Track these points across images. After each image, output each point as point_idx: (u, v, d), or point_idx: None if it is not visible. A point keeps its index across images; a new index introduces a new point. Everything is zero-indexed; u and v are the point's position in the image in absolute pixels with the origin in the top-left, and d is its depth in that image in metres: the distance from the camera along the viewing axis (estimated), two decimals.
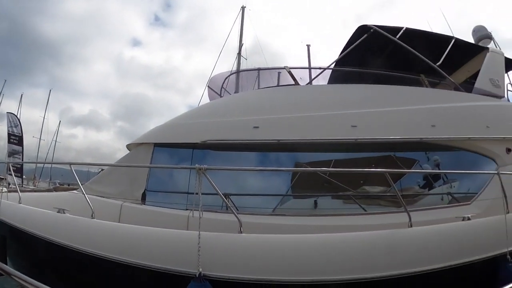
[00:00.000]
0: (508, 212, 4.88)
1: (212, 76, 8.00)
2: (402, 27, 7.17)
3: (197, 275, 3.21)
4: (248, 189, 5.66)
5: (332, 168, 5.40)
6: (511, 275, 4.30)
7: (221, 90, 7.56)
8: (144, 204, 5.55)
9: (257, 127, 5.59)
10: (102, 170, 6.57)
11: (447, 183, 6.34)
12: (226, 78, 7.58)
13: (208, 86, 7.86)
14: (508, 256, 4.37)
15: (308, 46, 8.23)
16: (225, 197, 4.63)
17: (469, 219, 4.85)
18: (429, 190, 6.27)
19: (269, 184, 5.73)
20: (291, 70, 6.41)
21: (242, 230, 3.72)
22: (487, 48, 8.32)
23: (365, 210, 5.39)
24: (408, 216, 4.19)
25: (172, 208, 5.28)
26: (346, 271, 3.56)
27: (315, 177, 5.49)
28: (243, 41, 9.50)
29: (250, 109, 5.99)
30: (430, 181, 6.27)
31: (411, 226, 4.16)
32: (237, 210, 4.79)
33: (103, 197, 5.53)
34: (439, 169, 6.30)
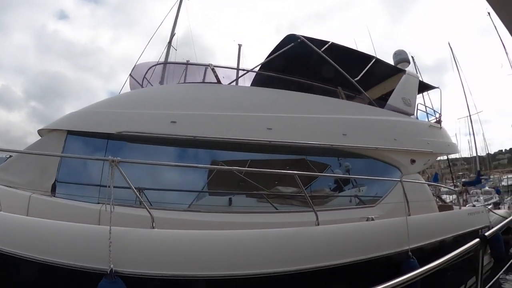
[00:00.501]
0: (409, 215, 5.46)
1: (137, 64, 7.61)
2: (328, 42, 7.65)
3: (108, 272, 3.07)
4: (164, 184, 5.58)
5: (248, 167, 5.51)
6: (411, 269, 4.86)
7: (143, 80, 7.31)
8: (54, 196, 5.19)
9: (174, 122, 5.54)
10: (10, 156, 6.04)
11: (356, 187, 6.92)
12: (150, 68, 7.30)
13: (130, 74, 7.45)
14: (410, 253, 4.85)
15: (240, 45, 8.40)
16: (139, 191, 4.47)
17: (372, 219, 5.35)
18: (339, 192, 6.77)
19: (185, 180, 5.70)
20: (217, 68, 6.45)
21: (154, 225, 3.65)
22: (404, 71, 9.23)
23: (277, 209, 5.65)
24: (316, 215, 4.46)
25: (83, 201, 5.01)
26: (256, 266, 3.69)
27: (231, 175, 5.58)
28: (175, 31, 9.20)
29: (169, 103, 5.92)
30: (340, 184, 6.77)
31: (318, 224, 4.45)
32: (151, 205, 4.66)
33: (10, 187, 5.10)
34: (349, 174, 6.79)
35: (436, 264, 1.65)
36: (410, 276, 1.44)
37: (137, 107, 5.70)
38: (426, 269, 1.54)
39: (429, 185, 9.27)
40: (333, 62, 7.33)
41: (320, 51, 7.33)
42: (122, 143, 5.58)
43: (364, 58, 8.29)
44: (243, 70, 7.19)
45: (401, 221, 5.13)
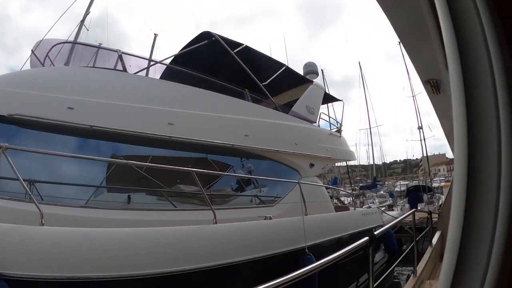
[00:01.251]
0: (306, 214, 5.89)
1: (42, 40, 6.67)
2: (243, 44, 7.88)
3: None
4: (59, 177, 5.08)
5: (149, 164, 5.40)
6: (309, 264, 5.21)
7: (45, 58, 6.52)
8: None
9: (71, 108, 5.07)
10: None
11: (257, 188, 7.23)
12: (55, 46, 6.54)
13: (32, 50, 6.55)
14: (307, 250, 5.24)
15: (156, 35, 8.14)
16: (29, 184, 4.09)
17: (270, 218, 5.61)
18: (241, 192, 6.99)
19: (83, 174, 5.28)
20: (127, 56, 6.19)
21: (43, 222, 3.32)
22: (312, 81, 10.01)
23: (175, 207, 5.59)
24: (213, 214, 4.52)
25: None
26: (149, 266, 3.61)
27: (132, 171, 5.36)
28: (90, 10, 8.41)
29: (68, 87, 5.35)
30: (242, 185, 7.01)
31: (215, 223, 4.50)
32: (42, 199, 4.28)
33: None
34: (251, 175, 7.08)
35: (330, 259, 1.89)
36: (304, 271, 1.62)
37: (33, 89, 5.08)
38: (320, 263, 1.76)
39: (327, 188, 10.17)
40: (243, 65, 7.58)
41: (232, 52, 7.50)
42: (15, 128, 4.92)
43: (275, 64, 8.73)
44: (154, 61, 7.00)
45: (298, 219, 5.48)
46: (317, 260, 4.97)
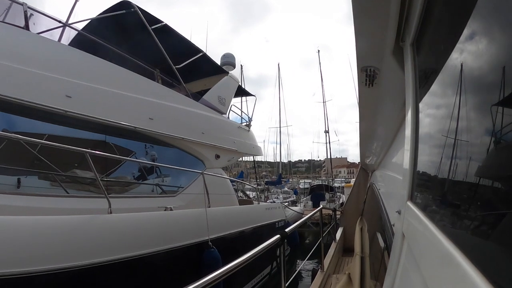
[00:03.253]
0: (209, 206, 5.92)
1: None
2: (163, 22, 7.63)
3: None
4: None
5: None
6: (212, 258, 5.23)
7: None
8: None
9: None
10: None
11: (160, 177, 7.06)
12: None
13: None
14: (210, 243, 5.27)
15: None
16: None
17: (171, 209, 5.47)
18: (142, 181, 6.73)
19: None
20: (30, 11, 5.36)
21: None
22: (228, 73, 10.16)
23: (68, 193, 5.10)
24: (108, 202, 4.24)
25: None
26: (40, 260, 3.24)
27: (24, 150, 4.68)
28: None
29: None
30: (144, 173, 6.77)
31: (110, 212, 4.22)
32: None
33: None
34: (155, 163, 6.89)
35: (246, 258, 1.86)
36: (220, 273, 1.54)
37: None
38: (235, 264, 1.70)
39: (233, 181, 10.42)
40: (159, 44, 7.35)
41: (150, 28, 7.23)
42: None
43: (193, 49, 8.66)
44: (62, 23, 6.17)
45: (200, 211, 5.49)
46: (220, 253, 5.15)
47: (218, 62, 10.93)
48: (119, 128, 5.90)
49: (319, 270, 4.84)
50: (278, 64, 44.62)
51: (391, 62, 1.99)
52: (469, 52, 0.85)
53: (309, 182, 39.74)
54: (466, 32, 0.86)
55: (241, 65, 29.50)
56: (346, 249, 7.43)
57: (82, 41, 6.41)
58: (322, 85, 41.53)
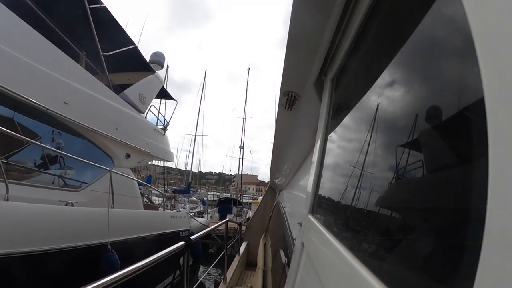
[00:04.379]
0: (113, 207, 5.61)
1: None
2: (103, 4, 7.31)
3: None
4: None
5: None
6: (110, 263, 4.87)
7: None
8: None
9: None
10: None
11: (63, 169, 6.52)
12: None
13: None
14: (109, 246, 4.93)
15: None
16: None
17: (72, 205, 5.11)
18: (44, 170, 6.14)
19: None
20: None
21: None
22: (154, 71, 9.87)
23: None
24: (6, 188, 3.80)
25: None
26: None
27: None
28: None
29: None
30: (46, 161, 6.19)
31: (7, 199, 3.79)
32: None
33: None
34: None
35: (146, 263, 1.73)
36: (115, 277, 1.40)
37: None
38: (137, 267, 1.56)
39: (140, 183, 10.01)
40: (93, 25, 6.98)
41: (88, 6, 6.86)
42: None
43: (125, 39, 8.37)
44: None
45: (103, 211, 5.16)
46: (120, 258, 4.85)
47: (147, 58, 10.59)
48: (30, 107, 5.29)
49: (222, 281, 4.89)
50: (205, 72, 44.39)
51: (311, 92, 2.21)
52: (379, 96, 0.98)
53: (217, 195, 39.88)
54: (380, 78, 0.99)
55: (167, 66, 28.71)
56: (249, 263, 7.60)
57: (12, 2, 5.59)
58: (245, 102, 42.70)
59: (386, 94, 0.92)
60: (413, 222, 0.67)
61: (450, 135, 0.55)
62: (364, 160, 1.00)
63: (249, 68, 44.27)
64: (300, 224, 1.94)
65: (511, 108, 0.34)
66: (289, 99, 2.50)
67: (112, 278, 1.40)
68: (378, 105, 0.95)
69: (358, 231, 1.00)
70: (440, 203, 0.54)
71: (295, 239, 2.29)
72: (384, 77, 0.95)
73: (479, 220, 0.35)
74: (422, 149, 0.64)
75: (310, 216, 1.65)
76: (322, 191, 1.65)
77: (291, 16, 1.52)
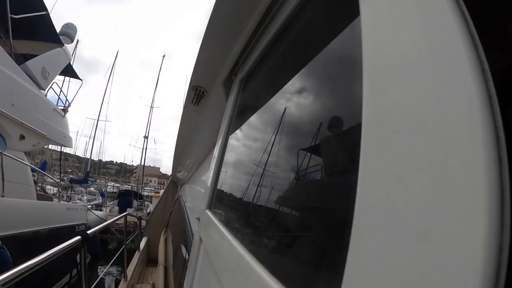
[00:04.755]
0: (3, 196, 4.93)
1: None
2: None
3: None
4: None
5: None
6: (3, 260, 4.22)
7: None
8: None
9: None
10: None
11: None
12: None
13: None
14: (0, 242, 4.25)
15: None
16: None
17: None
18: None
19: None
20: None
21: None
22: (62, 44, 8.80)
23: None
24: None
25: None
26: None
27: None
28: None
29: None
30: None
31: None
32: None
33: None
34: None
35: (38, 261, 1.47)
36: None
37: None
38: (29, 265, 1.33)
39: (33, 170, 8.83)
40: None
41: None
42: None
43: (37, 2, 7.45)
44: None
45: None
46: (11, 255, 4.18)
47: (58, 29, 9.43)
48: None
49: (122, 279, 4.71)
50: (117, 52, 41.59)
51: (220, 90, 2.26)
52: (281, 101, 1.07)
53: (118, 187, 37.55)
54: (284, 86, 1.07)
55: (77, 40, 25.87)
56: (151, 259, 7.40)
57: None
58: (155, 90, 40.84)
59: (288, 101, 1.01)
60: (302, 220, 0.76)
61: (332, 145, 0.64)
62: (261, 160, 1.10)
63: (164, 55, 42.55)
64: (199, 219, 1.98)
65: (378, 131, 0.41)
66: (197, 94, 2.52)
67: (4, 278, 1.30)
68: (281, 110, 1.04)
69: (252, 227, 1.08)
70: (326, 204, 0.62)
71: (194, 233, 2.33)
72: (288, 86, 1.04)
73: (349, 220, 0.41)
74: (307, 155, 0.73)
75: (208, 211, 1.69)
76: (220, 187, 1.72)
77: (213, 10, 1.53)
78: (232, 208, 1.42)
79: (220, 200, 1.67)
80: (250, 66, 1.70)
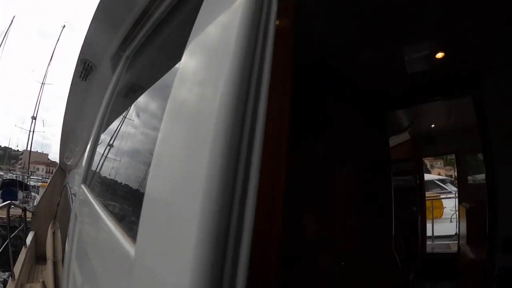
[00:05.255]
0: None
1: None
2: None
3: None
4: None
5: None
6: None
7: None
8: None
9: None
10: None
11: None
12: None
13: None
14: None
15: None
16: None
17: None
18: None
19: None
20: None
21: None
22: None
23: None
24: None
25: None
26: None
27: None
28: None
29: None
30: None
31: None
32: None
33: None
34: None
35: None
36: None
37: None
38: None
39: None
40: None
41: None
42: None
43: None
44: None
45: None
46: None
47: None
48: None
49: (10, 278, 4.37)
50: (13, 18, 35.08)
51: (107, 65, 2.19)
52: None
53: (1, 175, 33.14)
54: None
55: None
56: (40, 256, 6.72)
57: None
58: (49, 64, 35.72)
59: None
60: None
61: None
62: (134, 139, 1.12)
63: (64, 26, 37.05)
64: (75, 195, 2.02)
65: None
66: (85, 68, 2.41)
67: None
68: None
69: (122, 201, 1.10)
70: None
71: None
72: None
73: None
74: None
75: (83, 186, 1.69)
76: (96, 163, 1.73)
77: None
78: (104, 183, 1.43)
79: (94, 176, 1.67)
80: (137, 43, 1.66)
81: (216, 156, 0.41)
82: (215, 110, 0.44)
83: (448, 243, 5.66)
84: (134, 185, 0.94)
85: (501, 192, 2.56)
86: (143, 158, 0.91)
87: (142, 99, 1.28)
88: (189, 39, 0.73)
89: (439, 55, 2.32)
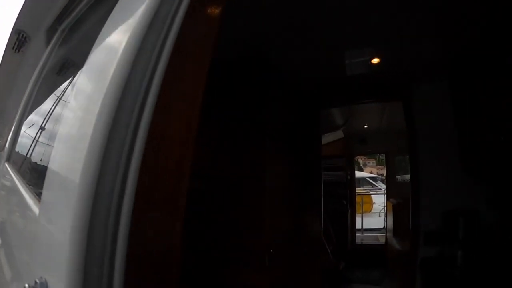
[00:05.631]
0: None
1: None
2: None
3: None
4: None
5: None
6: None
7: None
8: None
9: None
10: None
11: None
12: None
13: None
14: None
15: None
16: None
17: None
18: None
19: None
20: None
21: None
22: None
23: None
24: None
25: None
26: None
27: None
28: None
29: None
30: None
31: None
32: None
33: None
34: None
35: None
36: None
37: None
38: None
39: None
40: None
41: None
42: None
43: None
44: None
45: None
46: None
47: None
48: None
49: None
50: None
51: (42, 38, 2.05)
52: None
53: None
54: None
55: None
56: None
57: None
58: None
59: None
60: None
61: None
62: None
63: None
64: None
65: None
66: (19, 39, 2.22)
67: None
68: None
69: (38, 177, 1.07)
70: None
71: None
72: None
73: None
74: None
75: (6, 164, 1.65)
76: (19, 140, 1.69)
77: None
78: (29, 161, 1.36)
79: (18, 153, 1.62)
80: (74, 16, 1.55)
81: (104, 135, 0.48)
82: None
83: (377, 235, 6.06)
84: (47, 161, 0.93)
85: (423, 191, 2.88)
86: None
87: (72, 77, 1.23)
88: (112, 18, 0.74)
89: (375, 60, 2.48)
